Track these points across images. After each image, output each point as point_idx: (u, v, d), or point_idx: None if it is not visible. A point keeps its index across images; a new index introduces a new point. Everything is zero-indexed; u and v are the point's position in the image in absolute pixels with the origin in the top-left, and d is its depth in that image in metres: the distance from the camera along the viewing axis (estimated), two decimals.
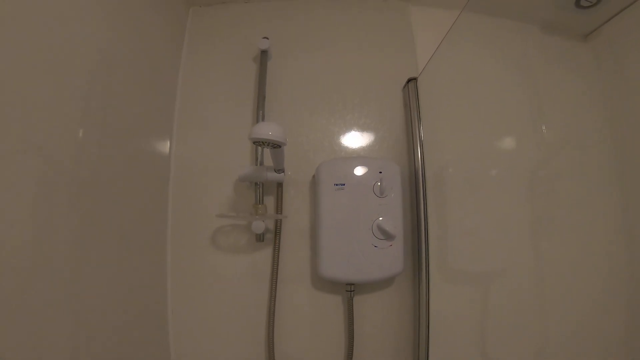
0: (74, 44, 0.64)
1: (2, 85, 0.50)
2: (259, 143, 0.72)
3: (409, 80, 1.04)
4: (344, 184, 0.90)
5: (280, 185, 0.98)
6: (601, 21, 1.23)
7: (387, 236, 0.88)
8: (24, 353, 0.53)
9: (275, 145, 0.73)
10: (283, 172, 0.92)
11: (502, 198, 0.94)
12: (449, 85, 1.03)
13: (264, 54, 1.02)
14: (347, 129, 1.04)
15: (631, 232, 0.93)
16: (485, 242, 0.94)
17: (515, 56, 1.09)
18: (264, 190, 0.98)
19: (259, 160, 0.96)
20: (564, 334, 0.86)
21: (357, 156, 1.02)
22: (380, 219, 0.89)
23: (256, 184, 0.96)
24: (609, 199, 0.98)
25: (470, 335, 0.94)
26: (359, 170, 0.92)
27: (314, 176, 0.99)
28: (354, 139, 1.04)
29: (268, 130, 0.70)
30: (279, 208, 0.97)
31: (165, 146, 1.00)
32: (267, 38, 1.03)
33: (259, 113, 0.97)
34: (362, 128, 1.05)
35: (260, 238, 0.97)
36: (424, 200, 0.94)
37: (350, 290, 0.92)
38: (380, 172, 0.91)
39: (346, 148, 1.03)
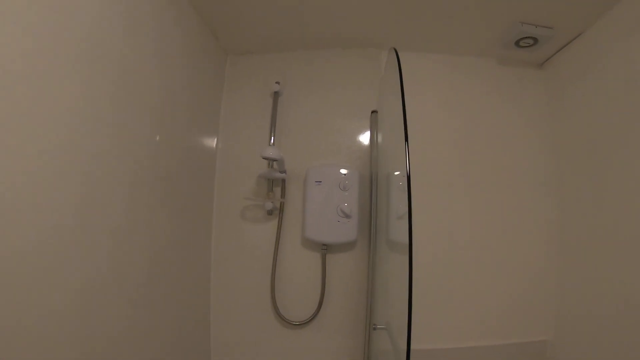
0: (152, 86, 1.17)
1: (119, 112, 1.08)
2: (265, 158, 1.28)
3: (372, 112, 1.55)
4: (321, 181, 1.45)
5: (283, 180, 1.54)
6: (552, 52, 1.67)
7: (346, 215, 1.42)
8: (119, 266, 1.12)
9: (274, 160, 1.29)
10: (285, 172, 1.48)
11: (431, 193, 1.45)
12: (398, 114, 1.53)
13: (276, 93, 1.57)
14: (329, 145, 1.57)
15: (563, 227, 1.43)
16: (416, 224, 1.46)
17: (463, 86, 1.58)
18: (273, 183, 1.55)
19: (270, 164, 1.52)
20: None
21: (331, 164, 1.54)
22: (344, 204, 1.43)
23: (268, 179, 1.53)
24: (548, 197, 1.49)
25: (403, 290, 1.47)
26: (331, 173, 1.45)
27: (304, 176, 1.54)
28: (332, 152, 1.57)
29: (269, 152, 1.26)
30: (282, 194, 1.53)
31: (212, 148, 1.58)
32: (278, 83, 1.57)
33: (271, 136, 1.52)
34: (339, 145, 1.57)
35: (270, 213, 1.54)
36: (374, 193, 1.46)
37: (324, 249, 1.47)
38: (344, 175, 1.45)
39: (327, 157, 1.56)
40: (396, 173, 1.19)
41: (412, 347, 1.24)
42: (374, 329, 1.22)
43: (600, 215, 1.30)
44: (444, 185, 1.56)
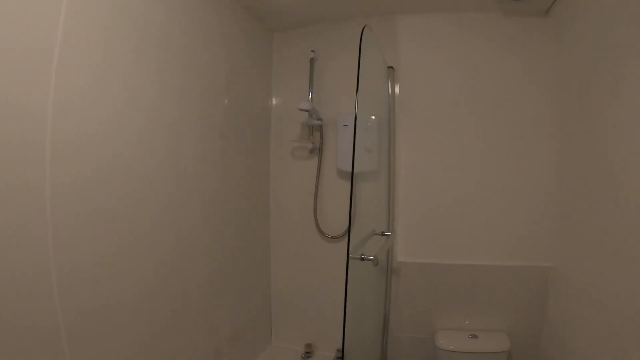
0: (220, 65, 1.69)
1: (196, 84, 1.60)
2: (301, 109, 1.75)
3: (388, 67, 1.93)
4: (347, 125, 1.89)
5: (320, 126, 2.00)
6: None
7: (368, 150, 1.85)
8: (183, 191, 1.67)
9: (307, 110, 1.76)
10: (321, 120, 1.94)
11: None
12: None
13: (312, 59, 2.01)
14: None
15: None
16: (429, 160, 1.87)
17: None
18: (313, 128, 2.02)
19: (310, 114, 1.99)
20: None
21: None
22: (367, 142, 1.86)
23: (309, 126, 2.00)
24: (550, 138, 1.76)
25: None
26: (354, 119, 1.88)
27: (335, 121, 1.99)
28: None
29: (303, 105, 1.73)
30: (321, 137, 2.00)
31: (268, 106, 2.08)
32: (314, 51, 2.01)
33: (309, 93, 1.98)
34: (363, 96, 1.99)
35: (311, 152, 2.02)
36: (393, 134, 1.87)
37: (352, 177, 1.93)
38: (366, 119, 1.87)
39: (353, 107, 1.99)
40: (372, 117, 1.60)
41: (427, 260, 1.70)
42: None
43: (597, 152, 1.40)
44: (456, 127, 1.90)
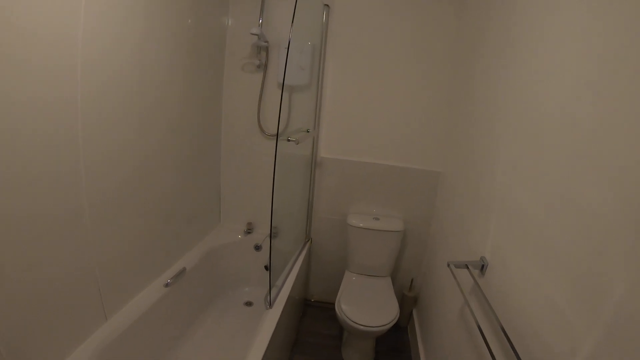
0: None
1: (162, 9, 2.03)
2: (252, 34, 2.23)
3: (324, 4, 2.42)
4: (287, 48, 2.39)
5: (267, 47, 2.48)
6: None
7: (302, 68, 2.38)
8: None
9: (256, 34, 2.24)
10: (267, 42, 2.42)
11: None
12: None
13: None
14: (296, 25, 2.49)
15: None
16: (344, 82, 2.44)
17: None
18: (261, 48, 2.50)
19: (258, 37, 2.46)
20: None
21: (294, 37, 2.47)
22: (301, 62, 2.39)
23: (258, 46, 2.48)
24: (445, 69, 2.35)
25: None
26: (294, 41, 2.39)
27: (279, 44, 2.47)
28: (298, 29, 2.49)
29: (254, 29, 2.21)
30: (266, 56, 2.49)
31: (225, 25, 2.51)
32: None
33: (260, 19, 2.43)
34: (303, 24, 2.49)
35: (259, 67, 2.51)
36: (323, 57, 2.41)
37: (282, 82, 2.46)
38: (302, 44, 2.38)
39: (293, 33, 2.48)
40: (309, 43, 2.13)
41: (343, 157, 2.30)
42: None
43: (471, 88, 1.92)
44: (376, 55, 2.45)
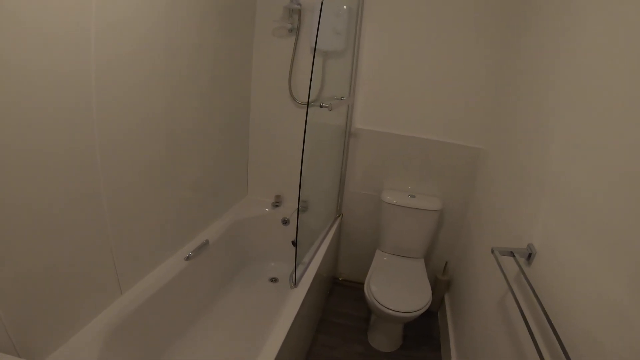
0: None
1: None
2: None
3: None
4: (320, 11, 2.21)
5: (299, 10, 2.31)
6: None
7: (337, 32, 2.20)
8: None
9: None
10: (300, 4, 2.25)
11: None
12: None
13: None
14: None
15: None
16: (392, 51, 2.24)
17: None
18: (293, 11, 2.33)
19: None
20: None
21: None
22: (337, 25, 2.20)
23: (290, 9, 2.31)
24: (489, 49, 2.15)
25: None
26: (328, 4, 2.20)
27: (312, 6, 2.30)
28: None
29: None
30: (299, 19, 2.32)
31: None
32: None
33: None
34: None
35: (290, 31, 2.35)
36: (360, 22, 2.21)
37: (315, 45, 2.30)
38: (337, 6, 2.19)
39: None
40: (344, 7, 1.94)
41: (380, 129, 2.11)
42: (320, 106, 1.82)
43: (518, 66, 1.81)
44: (417, 25, 2.23)
